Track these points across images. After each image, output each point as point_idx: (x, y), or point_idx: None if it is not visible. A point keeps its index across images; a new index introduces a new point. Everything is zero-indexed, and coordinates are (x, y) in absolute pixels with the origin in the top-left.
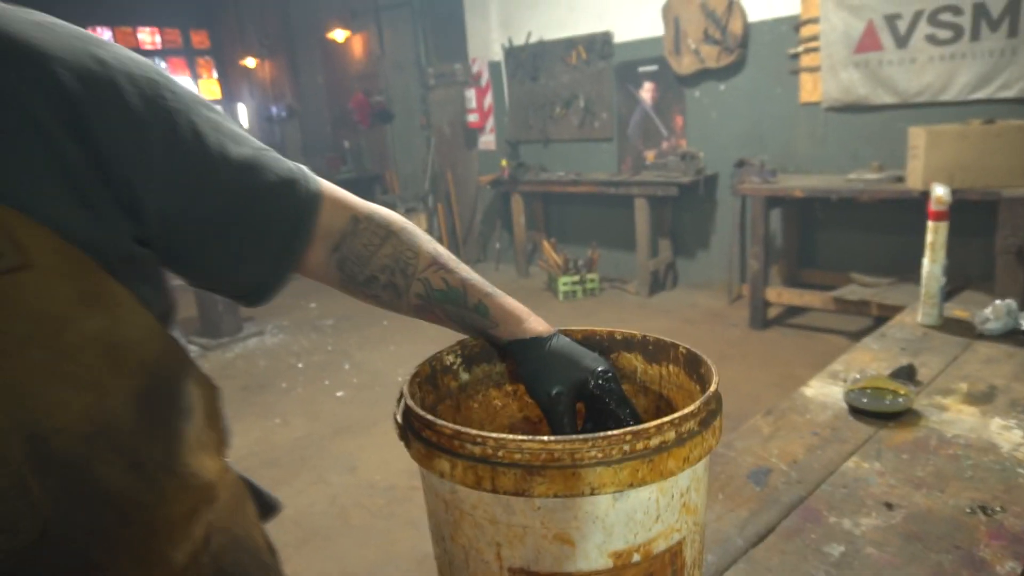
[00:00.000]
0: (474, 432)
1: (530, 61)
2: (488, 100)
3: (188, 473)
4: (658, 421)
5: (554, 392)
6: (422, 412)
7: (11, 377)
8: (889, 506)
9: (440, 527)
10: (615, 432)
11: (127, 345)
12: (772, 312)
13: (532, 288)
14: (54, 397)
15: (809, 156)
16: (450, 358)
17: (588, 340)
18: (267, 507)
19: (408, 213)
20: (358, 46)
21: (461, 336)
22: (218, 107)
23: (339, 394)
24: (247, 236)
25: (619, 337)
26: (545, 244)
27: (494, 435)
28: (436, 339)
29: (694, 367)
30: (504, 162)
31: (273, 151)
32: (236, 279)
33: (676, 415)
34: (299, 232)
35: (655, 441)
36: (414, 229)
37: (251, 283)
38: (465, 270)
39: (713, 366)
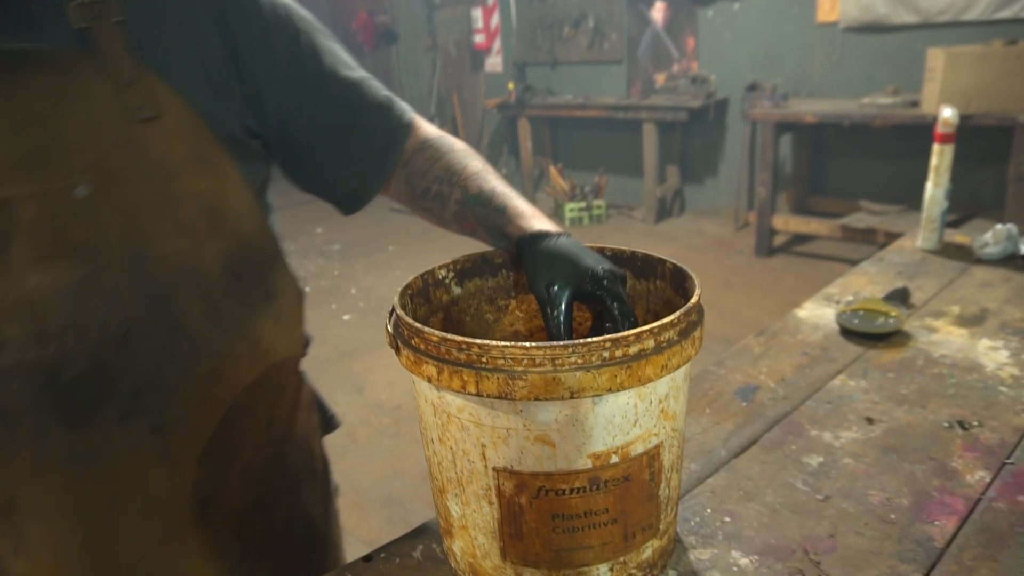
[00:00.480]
0: (459, 339)
1: None
2: (495, 20)
3: (260, 348)
4: (637, 330)
5: (552, 287)
6: (411, 320)
7: (128, 204)
8: (870, 421)
9: (429, 430)
10: (594, 339)
11: (226, 212)
12: (778, 240)
13: None
14: (157, 231)
15: (823, 80)
16: (442, 272)
17: None
18: (328, 423)
19: None
20: None
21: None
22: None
23: (345, 318)
24: (348, 146)
25: (608, 253)
26: (552, 170)
27: (478, 341)
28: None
29: (679, 282)
30: (511, 85)
31: (375, 80)
32: (335, 184)
33: (655, 324)
34: (392, 149)
35: (634, 349)
36: (470, 151)
37: (347, 190)
38: (500, 182)
39: (696, 280)
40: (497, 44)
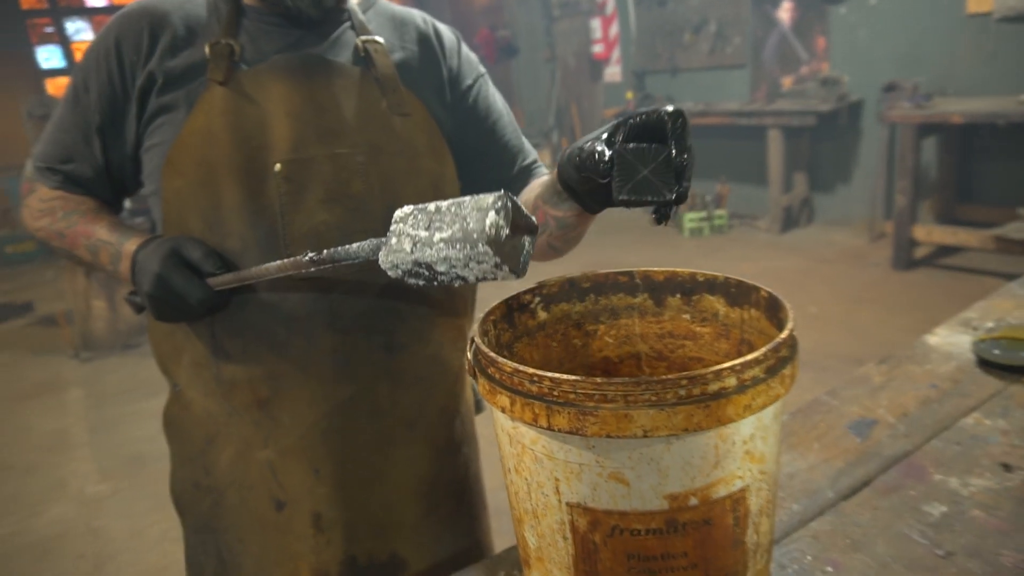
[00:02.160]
0: (531, 371)
1: None
2: (614, 29)
3: (457, 304)
4: (717, 367)
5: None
6: (487, 349)
7: (387, 170)
8: (1007, 467)
9: (506, 459)
10: (669, 376)
11: (445, 189)
12: (919, 252)
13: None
14: (402, 192)
15: (973, 76)
16: (527, 297)
17: (670, 281)
18: (479, 404)
19: None
20: None
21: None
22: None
23: None
24: (484, 173)
25: (701, 279)
26: None
27: (549, 375)
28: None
29: (774, 311)
30: (630, 94)
31: (516, 125)
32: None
33: (737, 361)
34: (515, 183)
35: (713, 387)
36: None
37: None
38: None
39: (791, 311)
40: (616, 53)
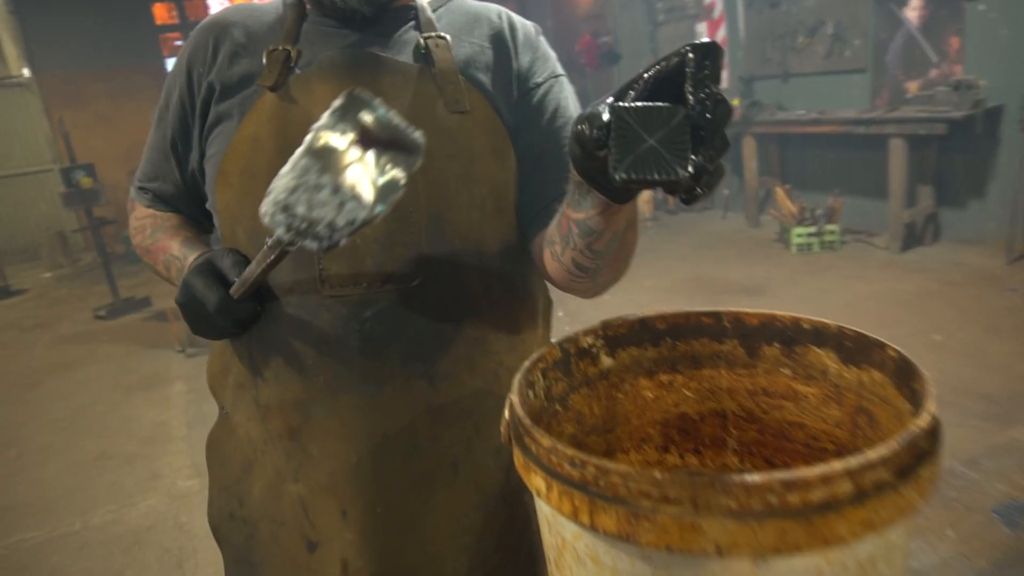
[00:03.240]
0: (570, 452)
1: None
2: (721, 33)
3: (516, 333)
4: (824, 469)
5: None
6: (521, 413)
7: (437, 176)
8: None
9: (547, 548)
10: (756, 475)
11: (508, 198)
12: None
13: (762, 239)
14: (455, 201)
15: None
16: (588, 339)
17: (767, 327)
18: None
19: None
20: None
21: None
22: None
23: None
24: (541, 178)
25: (807, 326)
26: (778, 191)
27: (594, 460)
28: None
29: (905, 379)
30: (736, 100)
31: None
32: (523, 202)
33: (854, 461)
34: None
35: (818, 494)
36: None
37: (530, 212)
38: None
39: (931, 383)
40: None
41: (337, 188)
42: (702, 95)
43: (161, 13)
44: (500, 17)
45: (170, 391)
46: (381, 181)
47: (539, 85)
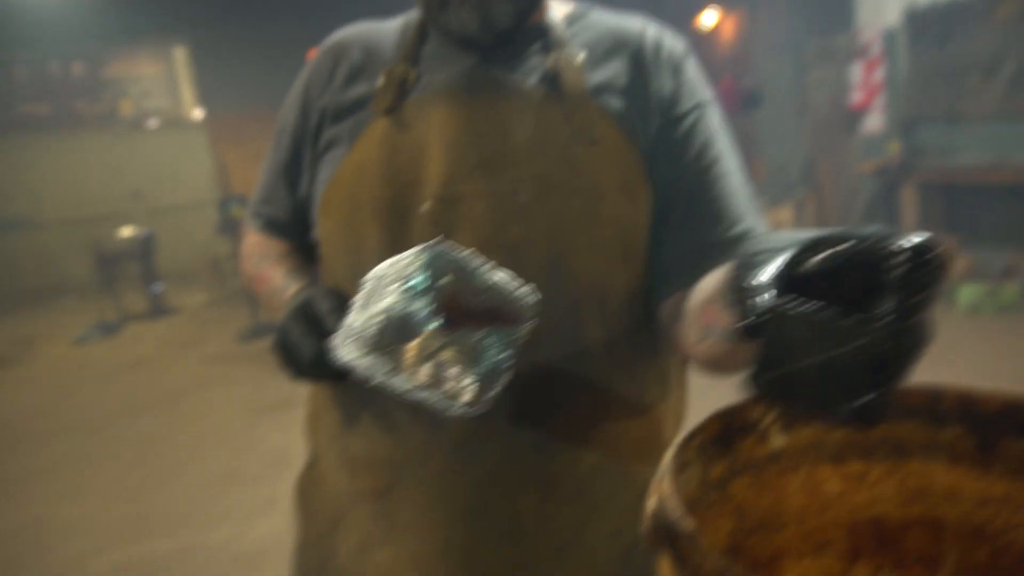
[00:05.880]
0: None
1: (938, 23)
2: (878, 75)
3: (645, 402)
4: None
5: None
6: (676, 509)
7: (557, 214)
8: None
9: None
10: None
11: (638, 242)
12: None
13: None
14: (576, 243)
15: None
16: (756, 412)
17: (1010, 414)
18: None
19: (771, 206)
20: (728, 28)
21: None
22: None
23: None
24: (683, 227)
25: (1000, 406)
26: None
27: None
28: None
29: None
30: (894, 146)
31: (741, 178)
32: (658, 252)
33: None
34: (718, 251)
35: None
36: None
37: (664, 265)
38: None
39: None
40: (878, 101)
41: (424, 387)
42: (901, 323)
43: None
44: (644, 33)
45: (295, 416)
46: (480, 371)
47: (684, 116)
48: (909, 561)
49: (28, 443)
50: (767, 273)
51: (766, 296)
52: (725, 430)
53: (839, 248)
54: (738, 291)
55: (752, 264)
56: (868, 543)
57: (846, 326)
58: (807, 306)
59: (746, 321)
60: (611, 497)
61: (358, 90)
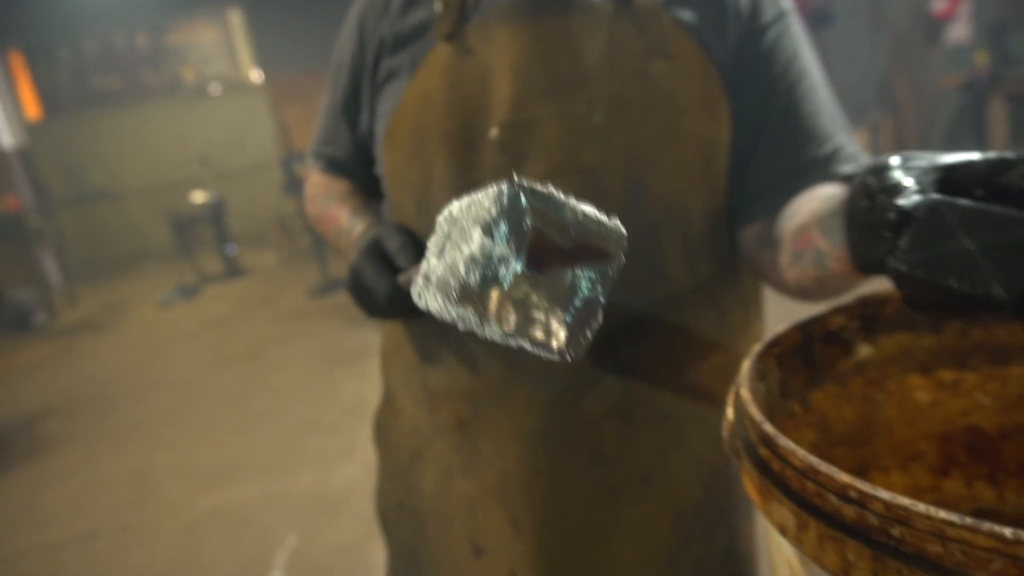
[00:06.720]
0: (844, 479)
1: None
2: None
3: (726, 324)
4: None
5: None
6: (755, 413)
7: (635, 134)
8: None
9: None
10: None
11: (719, 161)
12: None
13: None
14: (656, 164)
15: None
16: (839, 320)
17: None
18: None
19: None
20: None
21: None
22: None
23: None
24: (769, 150)
25: None
26: None
27: (884, 495)
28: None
29: None
30: (981, 57)
31: (829, 94)
32: (741, 175)
33: None
34: (808, 174)
35: None
36: None
37: (748, 189)
38: None
39: None
40: (964, 7)
41: (515, 333)
42: None
43: None
44: None
45: (370, 365)
46: (573, 312)
47: (765, 28)
48: (1007, 473)
49: (127, 400)
50: (909, 173)
51: (913, 193)
52: (805, 340)
53: (994, 157)
54: (876, 193)
55: (885, 169)
56: (961, 455)
57: (1016, 218)
58: (968, 203)
59: (888, 213)
60: (692, 424)
61: (416, 16)
